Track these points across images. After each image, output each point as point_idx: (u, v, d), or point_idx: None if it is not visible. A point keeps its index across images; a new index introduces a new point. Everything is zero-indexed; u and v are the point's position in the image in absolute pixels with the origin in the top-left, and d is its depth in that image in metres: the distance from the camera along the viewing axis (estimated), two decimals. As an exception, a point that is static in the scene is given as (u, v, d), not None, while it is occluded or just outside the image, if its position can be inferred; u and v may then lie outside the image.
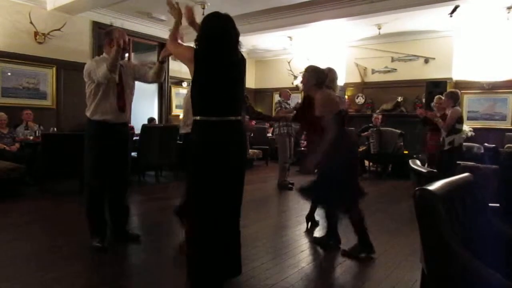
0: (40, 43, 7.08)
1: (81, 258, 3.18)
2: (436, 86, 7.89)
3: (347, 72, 9.97)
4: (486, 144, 7.21)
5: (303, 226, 4.29)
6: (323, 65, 3.63)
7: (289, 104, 6.77)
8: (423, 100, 8.37)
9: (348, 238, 3.55)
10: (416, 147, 8.26)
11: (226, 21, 2.45)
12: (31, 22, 6.83)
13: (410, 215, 4.32)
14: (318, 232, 4.02)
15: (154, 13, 7.98)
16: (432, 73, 8.77)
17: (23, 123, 6.57)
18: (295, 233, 4.04)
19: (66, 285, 2.65)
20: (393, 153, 8.03)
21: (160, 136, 6.76)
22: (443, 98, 5.81)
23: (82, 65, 3.45)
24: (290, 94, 7.10)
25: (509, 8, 6.80)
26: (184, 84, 9.87)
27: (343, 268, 3.16)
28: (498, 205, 3.01)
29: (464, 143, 7.74)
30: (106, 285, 2.69)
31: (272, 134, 9.22)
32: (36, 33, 7.00)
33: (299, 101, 8.11)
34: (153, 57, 9.33)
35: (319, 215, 4.25)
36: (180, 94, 9.93)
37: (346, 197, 3.33)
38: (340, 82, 5.37)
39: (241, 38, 2.54)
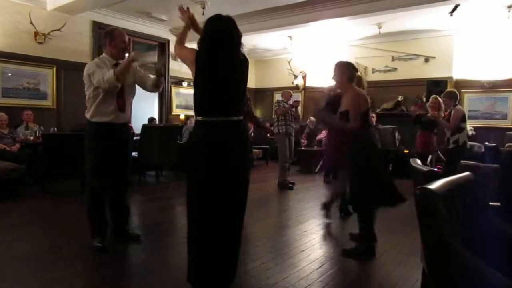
0: (40, 43, 7.09)
1: (81, 258, 3.17)
2: (437, 85, 7.88)
3: (347, 71, 9.91)
4: (486, 143, 7.20)
5: (304, 225, 4.29)
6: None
7: (288, 104, 6.76)
8: (424, 99, 8.35)
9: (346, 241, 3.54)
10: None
11: (228, 22, 2.48)
12: (31, 22, 6.84)
13: (410, 214, 4.32)
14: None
15: (154, 12, 7.97)
16: (432, 72, 8.76)
17: (24, 123, 6.57)
18: (296, 233, 4.04)
19: (67, 285, 2.65)
20: (394, 150, 8.03)
21: (161, 136, 6.76)
22: (439, 98, 5.89)
23: (82, 65, 3.45)
24: (291, 95, 7.08)
25: (509, 7, 6.78)
26: (185, 83, 9.87)
27: (344, 267, 3.15)
28: (498, 204, 3.00)
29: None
30: (107, 285, 2.69)
31: (272, 134, 9.22)
32: (36, 33, 7.00)
33: (297, 99, 8.10)
34: (153, 57, 9.33)
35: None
36: (180, 94, 9.94)
37: (382, 196, 3.33)
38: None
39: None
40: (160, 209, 4.99)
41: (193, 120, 6.47)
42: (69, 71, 7.37)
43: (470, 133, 8.29)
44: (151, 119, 8.92)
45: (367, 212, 3.37)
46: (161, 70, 3.49)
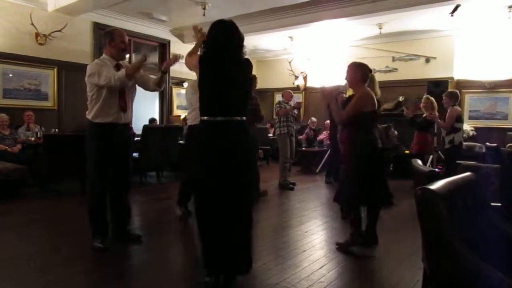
0: (41, 44, 7.10)
1: (82, 258, 3.17)
2: (437, 86, 7.87)
3: (348, 72, 9.92)
4: (487, 143, 7.20)
5: (305, 226, 4.29)
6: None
7: (290, 105, 6.76)
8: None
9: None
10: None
11: (229, 26, 2.60)
12: (32, 24, 6.85)
13: (411, 214, 4.31)
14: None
15: (154, 13, 7.98)
16: (433, 72, 8.75)
17: (25, 124, 6.58)
18: (297, 233, 4.04)
19: (67, 286, 2.66)
20: (390, 147, 8.02)
21: (161, 136, 6.76)
22: (431, 98, 6.10)
23: (83, 66, 3.46)
24: (292, 96, 7.08)
25: (510, 7, 6.78)
26: (185, 84, 9.87)
27: (345, 268, 3.15)
28: (499, 204, 3.01)
29: (465, 143, 7.82)
30: (107, 286, 2.70)
31: (273, 134, 9.22)
32: (37, 34, 7.01)
33: (299, 100, 8.10)
34: (154, 58, 9.35)
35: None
36: (181, 95, 9.93)
37: (373, 196, 3.41)
38: (342, 81, 5.40)
39: None
40: (161, 210, 5.00)
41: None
42: (70, 72, 7.38)
43: (471, 133, 8.30)
44: (152, 120, 8.93)
45: (356, 208, 3.49)
46: (166, 68, 3.48)
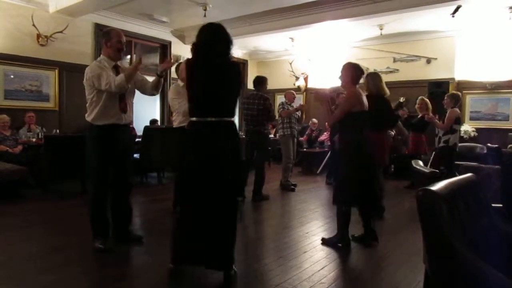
0: (42, 45, 7.11)
1: (83, 259, 3.18)
2: (438, 87, 7.87)
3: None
4: (489, 144, 7.19)
5: (306, 227, 4.29)
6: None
7: (292, 107, 6.78)
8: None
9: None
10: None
11: (215, 29, 2.67)
12: (33, 25, 6.86)
13: (412, 215, 4.31)
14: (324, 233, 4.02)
15: (155, 14, 7.98)
16: (434, 73, 8.74)
17: (26, 125, 6.59)
18: (298, 234, 4.04)
19: (68, 286, 2.66)
20: (393, 148, 8.01)
21: (162, 137, 6.76)
22: (425, 99, 6.28)
23: (84, 67, 3.45)
24: (295, 97, 7.09)
25: (511, 8, 6.78)
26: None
27: (346, 269, 3.15)
28: (500, 205, 3.00)
29: (466, 144, 7.84)
30: (108, 286, 2.70)
31: (274, 135, 9.20)
32: (38, 36, 7.02)
33: (301, 102, 8.10)
34: (154, 59, 9.36)
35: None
36: (182, 96, 9.93)
37: (364, 197, 3.52)
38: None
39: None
40: (162, 211, 5.00)
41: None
42: (71, 73, 7.38)
43: (472, 134, 8.29)
44: (153, 121, 8.93)
45: (343, 208, 3.58)
46: (163, 72, 3.50)
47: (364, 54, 9.70)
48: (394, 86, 9.26)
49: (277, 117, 6.97)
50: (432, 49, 8.84)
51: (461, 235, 1.61)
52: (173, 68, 4.83)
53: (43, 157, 5.89)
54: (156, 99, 9.61)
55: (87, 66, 3.42)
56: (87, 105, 3.37)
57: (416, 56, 9.08)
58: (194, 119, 2.67)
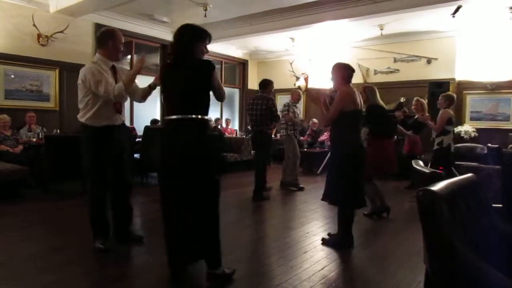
0: (43, 45, 7.11)
1: (83, 259, 3.18)
2: (439, 87, 7.86)
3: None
4: (489, 144, 7.19)
5: (306, 227, 4.30)
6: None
7: (297, 107, 6.81)
8: (426, 101, 8.34)
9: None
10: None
11: (182, 31, 2.74)
12: (34, 25, 6.86)
13: (413, 215, 4.31)
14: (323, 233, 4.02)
15: (156, 14, 7.99)
16: (434, 73, 8.74)
17: (26, 125, 6.60)
18: (299, 234, 4.03)
19: (68, 286, 2.66)
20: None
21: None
22: (420, 99, 6.40)
23: (85, 67, 3.44)
24: (300, 97, 7.12)
25: (511, 8, 6.77)
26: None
27: (346, 269, 3.15)
28: (501, 205, 2.99)
29: (467, 144, 7.83)
30: (108, 286, 2.70)
31: (275, 135, 9.20)
32: (39, 36, 7.03)
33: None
34: (155, 59, 9.36)
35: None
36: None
37: (355, 196, 3.52)
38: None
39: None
40: (162, 211, 4.99)
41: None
42: (71, 73, 7.36)
43: (472, 134, 8.29)
44: (154, 121, 8.92)
45: (345, 210, 3.57)
46: (156, 85, 3.37)
47: (365, 54, 9.71)
48: (395, 86, 9.29)
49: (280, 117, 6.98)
50: (433, 49, 8.84)
51: (462, 235, 1.61)
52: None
53: (43, 157, 5.89)
54: (157, 99, 9.60)
55: (87, 66, 3.40)
56: (80, 105, 3.32)
57: (417, 56, 9.08)
58: (166, 118, 2.81)
